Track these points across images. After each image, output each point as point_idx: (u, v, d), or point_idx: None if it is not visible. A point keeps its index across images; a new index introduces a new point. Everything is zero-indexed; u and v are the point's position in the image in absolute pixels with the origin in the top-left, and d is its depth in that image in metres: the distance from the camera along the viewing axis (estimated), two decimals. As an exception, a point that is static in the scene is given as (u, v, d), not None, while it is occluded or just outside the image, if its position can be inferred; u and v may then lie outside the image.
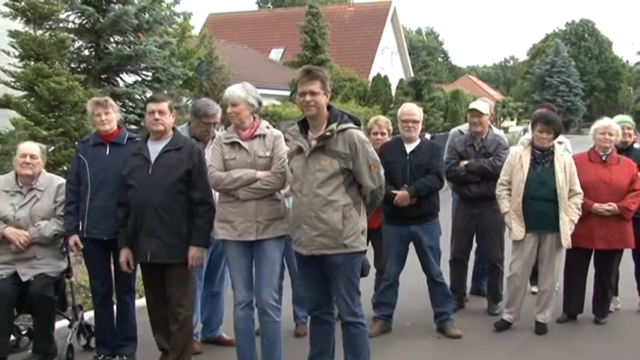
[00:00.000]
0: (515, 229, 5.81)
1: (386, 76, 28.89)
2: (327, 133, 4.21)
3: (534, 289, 6.51)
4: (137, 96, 10.80)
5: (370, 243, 6.01)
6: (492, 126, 6.68)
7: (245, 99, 4.59)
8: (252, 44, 34.88)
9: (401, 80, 31.01)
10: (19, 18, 9.02)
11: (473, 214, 6.38)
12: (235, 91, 4.62)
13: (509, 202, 5.86)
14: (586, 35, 74.64)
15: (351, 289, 4.39)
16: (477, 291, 7.12)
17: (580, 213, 5.75)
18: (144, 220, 4.67)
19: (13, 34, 8.62)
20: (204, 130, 5.30)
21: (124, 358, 5.20)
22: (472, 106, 6.50)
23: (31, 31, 8.89)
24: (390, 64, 40.23)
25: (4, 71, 8.59)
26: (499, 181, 5.98)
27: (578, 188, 5.76)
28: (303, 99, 4.24)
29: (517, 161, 5.86)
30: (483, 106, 6.46)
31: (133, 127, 10.09)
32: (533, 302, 6.09)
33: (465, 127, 7.23)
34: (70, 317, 5.43)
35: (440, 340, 5.82)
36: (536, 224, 5.76)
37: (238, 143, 4.60)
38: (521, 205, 5.76)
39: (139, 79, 11.22)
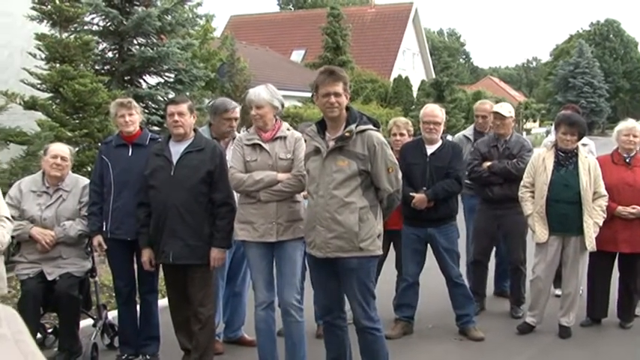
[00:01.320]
0: (539, 231, 5.77)
1: (407, 78, 28.79)
2: (346, 134, 4.17)
3: (558, 292, 6.46)
4: (160, 97, 10.86)
5: (392, 244, 6.01)
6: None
7: (270, 102, 4.61)
8: (274, 46, 34.97)
9: (422, 81, 30.87)
10: (45, 21, 9.13)
11: (495, 215, 6.34)
12: (261, 93, 4.63)
13: (532, 205, 5.82)
14: (611, 35, 73.73)
15: (366, 294, 4.33)
16: (499, 293, 7.09)
17: (605, 215, 5.70)
18: (166, 220, 4.71)
19: (40, 37, 8.72)
20: (227, 126, 5.34)
21: (147, 357, 5.25)
22: (495, 109, 6.47)
23: (57, 34, 8.99)
24: (411, 65, 40.12)
25: (31, 73, 8.69)
26: (522, 183, 5.94)
27: (603, 190, 5.70)
28: (327, 100, 4.17)
29: (540, 163, 5.82)
30: (507, 108, 6.43)
31: (156, 128, 10.16)
32: (557, 305, 6.04)
33: (468, 131, 7.19)
34: (95, 316, 5.50)
35: (462, 342, 5.79)
36: (559, 227, 5.72)
37: (260, 145, 4.61)
38: (545, 207, 5.72)
39: (162, 80, 11.28)
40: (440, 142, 5.80)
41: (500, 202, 6.27)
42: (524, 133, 38.13)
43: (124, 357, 5.24)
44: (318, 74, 4.30)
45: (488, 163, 6.26)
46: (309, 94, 22.94)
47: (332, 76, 4.20)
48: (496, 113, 6.40)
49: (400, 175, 4.37)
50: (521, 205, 5.92)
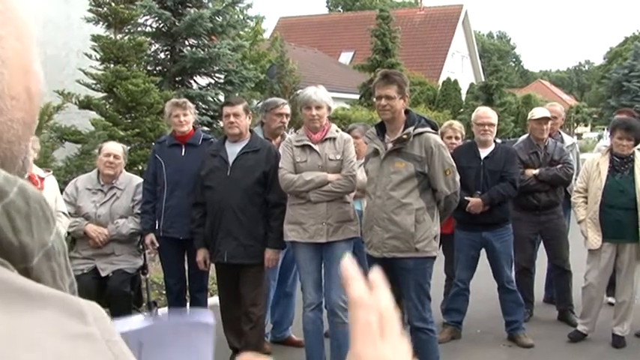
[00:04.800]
0: (592, 237, 5.65)
1: (456, 81, 28.57)
2: (404, 136, 4.24)
3: (611, 300, 6.31)
4: (210, 98, 10.99)
5: (441, 248, 5.97)
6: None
7: (328, 103, 4.67)
8: (322, 47, 35.09)
9: (471, 84, 30.62)
10: (101, 23, 9.34)
11: (538, 221, 6.22)
12: (321, 94, 4.67)
13: (585, 210, 5.71)
14: (668, 38, 71.71)
15: (421, 294, 4.39)
16: (549, 299, 6.96)
17: (662, 223, 5.55)
18: (222, 221, 4.77)
19: (95, 38, 8.92)
20: (278, 122, 5.40)
21: (196, 354, 5.30)
22: (542, 114, 6.28)
23: (112, 35, 9.18)
24: (460, 68, 39.76)
25: (86, 74, 8.89)
26: (575, 188, 5.85)
27: (661, 197, 5.56)
28: (378, 103, 4.29)
29: (594, 168, 5.70)
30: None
31: (205, 128, 10.29)
32: (610, 314, 5.90)
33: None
34: (145, 313, 5.58)
35: (511, 348, 5.71)
36: (613, 233, 5.59)
37: (309, 146, 4.64)
38: (598, 213, 5.60)
39: (212, 81, 11.42)
40: (493, 146, 5.76)
41: (545, 208, 6.18)
42: (575, 137, 37.37)
43: (173, 353, 5.31)
44: (376, 77, 4.43)
45: (535, 172, 6.12)
46: (357, 96, 22.99)
47: (384, 79, 4.32)
48: (545, 118, 6.25)
49: (458, 177, 4.40)
50: (574, 210, 5.83)
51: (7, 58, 0.52)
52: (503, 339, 5.85)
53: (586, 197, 5.73)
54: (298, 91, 14.50)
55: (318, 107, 4.61)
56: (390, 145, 4.31)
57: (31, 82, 0.56)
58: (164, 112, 5.65)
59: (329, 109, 4.68)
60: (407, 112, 4.38)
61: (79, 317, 0.47)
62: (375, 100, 4.40)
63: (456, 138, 6.09)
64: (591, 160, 5.86)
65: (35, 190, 0.52)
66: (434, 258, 4.49)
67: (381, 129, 4.45)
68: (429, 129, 4.32)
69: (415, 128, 4.26)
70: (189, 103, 5.34)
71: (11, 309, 0.44)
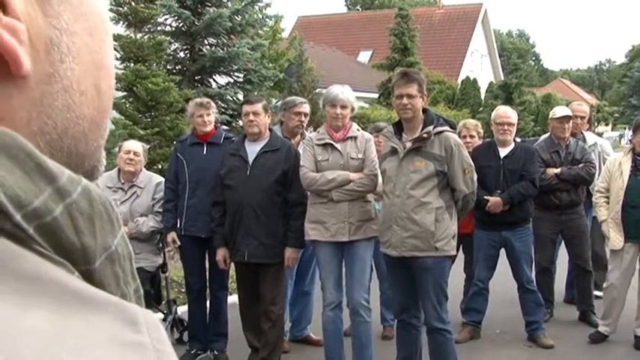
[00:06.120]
0: (614, 238, 5.60)
1: (475, 79, 28.42)
2: (424, 135, 4.23)
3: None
4: (229, 97, 11.04)
5: (461, 248, 5.95)
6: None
7: (353, 103, 4.69)
8: (341, 46, 35.04)
9: (490, 83, 30.45)
10: (121, 22, 9.41)
11: (559, 221, 6.18)
12: (348, 94, 4.68)
13: (607, 210, 5.66)
14: (690, 36, 70.77)
15: (439, 294, 4.38)
16: (570, 299, 6.91)
17: (686, 223, 5.49)
18: (241, 220, 4.78)
19: (116, 37, 8.98)
20: (296, 121, 5.40)
21: (215, 353, 5.33)
22: (564, 113, 6.25)
23: (132, 35, 9.25)
24: (479, 66, 39.55)
25: (107, 73, 8.95)
26: (596, 188, 5.81)
27: (685, 197, 5.49)
28: (399, 102, 4.28)
29: (616, 168, 5.65)
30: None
31: (225, 127, 10.33)
32: (631, 315, 5.83)
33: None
34: (165, 311, 5.61)
35: (531, 349, 5.68)
36: (636, 233, 5.53)
37: (331, 144, 4.64)
38: (620, 213, 5.55)
39: (231, 80, 11.47)
40: (513, 145, 5.73)
41: (566, 207, 6.13)
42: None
43: (192, 352, 5.34)
44: (395, 76, 4.41)
45: (556, 171, 6.07)
46: (375, 95, 22.94)
47: (405, 77, 4.30)
48: (567, 116, 6.21)
49: (475, 177, 4.38)
50: (595, 210, 5.79)
51: (78, 54, 0.52)
52: (523, 339, 5.81)
53: (608, 197, 5.69)
54: (317, 90, 14.51)
55: (343, 107, 4.62)
56: (409, 144, 4.29)
57: (102, 78, 0.55)
58: (185, 111, 5.67)
59: (352, 109, 4.69)
60: (425, 110, 4.37)
61: (132, 325, 0.45)
62: (394, 99, 4.38)
63: (471, 137, 6.06)
64: (613, 159, 5.83)
65: (100, 192, 0.51)
66: (452, 257, 4.48)
67: (398, 128, 4.44)
68: (448, 128, 4.32)
69: (435, 127, 4.26)
70: (212, 103, 5.37)
71: (63, 311, 0.43)
